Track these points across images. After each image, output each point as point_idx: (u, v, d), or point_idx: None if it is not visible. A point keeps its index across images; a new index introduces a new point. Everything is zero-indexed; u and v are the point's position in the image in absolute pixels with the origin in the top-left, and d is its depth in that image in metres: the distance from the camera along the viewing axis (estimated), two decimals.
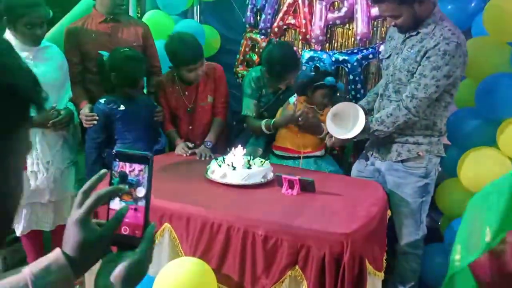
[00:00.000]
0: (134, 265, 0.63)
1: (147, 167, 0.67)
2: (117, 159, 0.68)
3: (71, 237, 0.62)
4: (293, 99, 2.25)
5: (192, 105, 2.41)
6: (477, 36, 2.20)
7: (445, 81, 1.83)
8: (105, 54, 2.27)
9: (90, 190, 0.66)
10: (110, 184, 0.67)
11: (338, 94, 2.38)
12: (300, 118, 2.21)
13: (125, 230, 0.67)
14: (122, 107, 2.21)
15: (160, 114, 2.36)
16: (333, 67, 2.72)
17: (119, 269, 0.62)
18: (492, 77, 2.08)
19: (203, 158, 2.24)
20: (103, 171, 0.67)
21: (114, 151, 0.69)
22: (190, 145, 2.34)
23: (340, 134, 2.02)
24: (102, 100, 2.22)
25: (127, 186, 0.66)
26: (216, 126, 2.43)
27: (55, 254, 0.61)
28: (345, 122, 2.02)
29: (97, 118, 2.20)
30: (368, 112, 2.15)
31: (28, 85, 0.39)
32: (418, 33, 1.89)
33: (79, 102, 2.32)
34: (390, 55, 2.05)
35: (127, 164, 0.67)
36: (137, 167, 0.67)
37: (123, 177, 0.67)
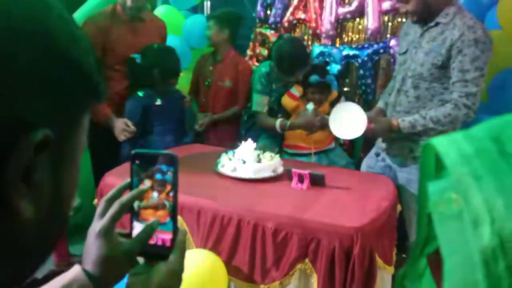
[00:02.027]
0: (170, 277, 0.57)
1: (172, 168, 0.58)
2: (137, 161, 0.59)
3: (92, 252, 0.55)
4: (311, 106, 2.24)
5: (210, 79, 2.65)
6: (491, 30, 2.18)
7: (486, 68, 1.80)
8: (137, 56, 2.28)
9: (114, 198, 0.59)
10: (131, 189, 0.60)
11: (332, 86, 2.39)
12: (319, 124, 2.18)
13: (152, 240, 0.59)
14: (158, 101, 2.28)
15: (187, 102, 2.50)
16: (343, 62, 2.71)
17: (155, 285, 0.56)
18: (505, 72, 2.06)
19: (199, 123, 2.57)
20: (127, 180, 0.60)
21: (132, 152, 0.59)
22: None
23: (342, 133, 2.02)
24: (140, 94, 2.26)
25: (149, 185, 0.59)
26: (229, 111, 2.65)
27: (75, 272, 0.54)
28: (350, 121, 2.01)
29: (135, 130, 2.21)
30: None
31: (94, 67, 0.34)
32: (438, 24, 1.85)
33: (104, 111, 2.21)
34: (406, 50, 2.01)
35: (149, 166, 0.59)
36: (160, 169, 0.59)
37: (145, 181, 0.59)
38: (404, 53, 2.03)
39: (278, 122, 2.31)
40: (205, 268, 1.52)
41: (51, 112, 0.31)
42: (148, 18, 2.42)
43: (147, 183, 0.59)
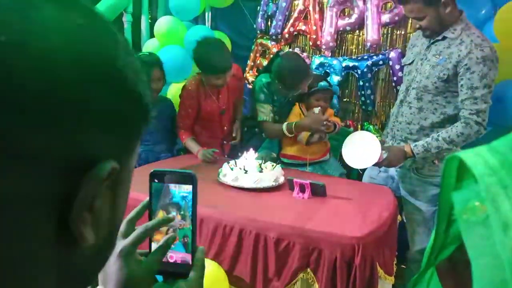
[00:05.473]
0: None
1: (190, 187, 0.60)
2: (156, 180, 0.60)
3: (112, 272, 0.55)
4: (317, 110, 2.27)
5: (225, 106, 2.44)
6: None
7: (493, 85, 1.83)
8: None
9: (135, 219, 0.61)
10: (150, 208, 0.61)
11: (336, 96, 2.40)
12: (325, 122, 2.19)
13: (171, 258, 0.61)
14: None
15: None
16: (343, 73, 2.75)
17: None
18: (502, 84, 2.09)
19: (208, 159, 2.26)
20: (147, 199, 0.61)
21: (152, 171, 0.60)
22: (211, 152, 2.28)
23: (355, 163, 2.00)
24: None
25: (175, 215, 0.60)
26: (239, 125, 2.55)
27: None
28: (364, 150, 1.99)
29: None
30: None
31: (148, 94, 0.35)
32: (445, 38, 1.88)
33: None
34: (412, 61, 2.03)
35: (167, 185, 0.60)
36: (179, 187, 0.60)
37: (164, 200, 0.60)
38: (410, 64, 2.05)
39: (284, 125, 2.31)
40: (206, 277, 1.52)
41: (116, 145, 0.31)
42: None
43: (166, 202, 0.60)
